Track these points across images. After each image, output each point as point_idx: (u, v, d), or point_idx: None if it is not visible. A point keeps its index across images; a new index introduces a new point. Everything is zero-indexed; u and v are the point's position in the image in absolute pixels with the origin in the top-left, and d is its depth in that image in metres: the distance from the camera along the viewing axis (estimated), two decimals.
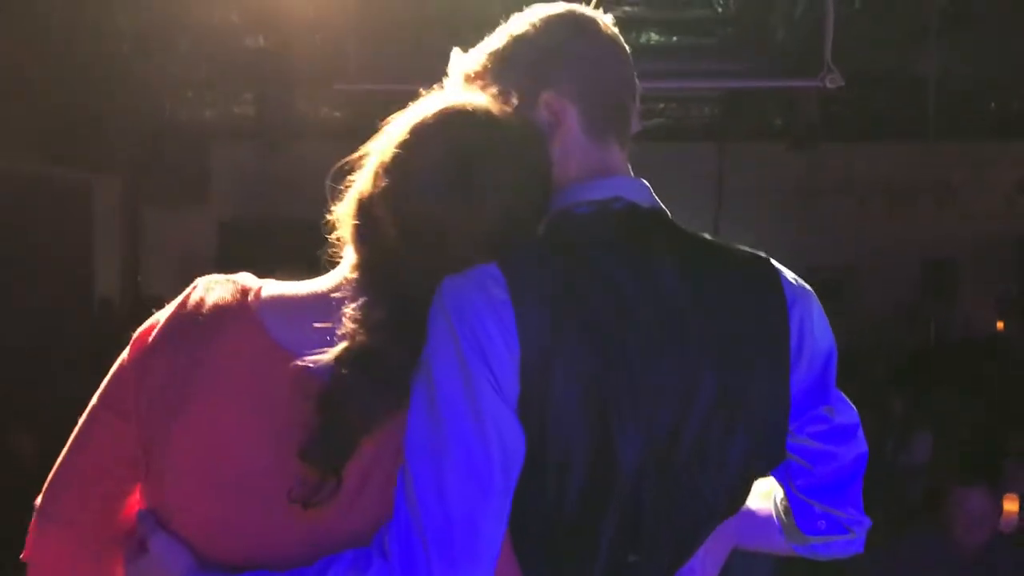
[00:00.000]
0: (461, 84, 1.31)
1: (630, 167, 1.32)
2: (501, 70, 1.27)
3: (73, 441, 1.21)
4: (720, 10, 5.78)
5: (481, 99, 1.21)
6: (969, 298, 8.93)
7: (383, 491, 1.08)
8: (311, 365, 1.08)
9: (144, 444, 1.14)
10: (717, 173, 9.18)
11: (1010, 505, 4.15)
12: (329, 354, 1.09)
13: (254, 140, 7.69)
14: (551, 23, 1.29)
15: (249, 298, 1.17)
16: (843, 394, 1.32)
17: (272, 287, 1.20)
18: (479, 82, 1.27)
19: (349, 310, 1.12)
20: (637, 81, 1.33)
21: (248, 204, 8.63)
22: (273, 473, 1.08)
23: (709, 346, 1.17)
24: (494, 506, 1.05)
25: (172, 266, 8.00)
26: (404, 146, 1.16)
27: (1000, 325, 8.90)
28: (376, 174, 1.17)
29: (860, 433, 1.33)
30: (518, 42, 1.28)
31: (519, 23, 1.30)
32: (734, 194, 9.15)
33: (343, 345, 1.10)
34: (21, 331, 6.15)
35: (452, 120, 1.16)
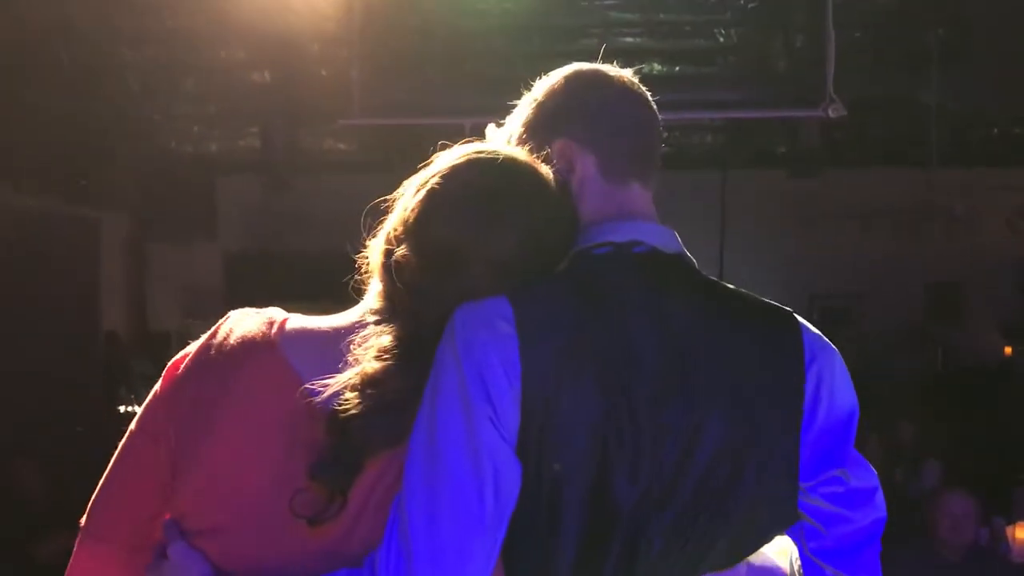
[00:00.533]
0: None
1: (654, 209, 1.34)
2: (524, 135, 1.33)
3: (112, 463, 1.31)
4: (722, 40, 5.82)
5: (508, 146, 1.31)
6: (974, 323, 8.90)
7: (382, 515, 1.13)
8: (321, 390, 1.15)
9: (174, 464, 1.23)
10: (720, 200, 9.20)
11: (1022, 533, 4.15)
12: (337, 380, 1.15)
13: (260, 174, 7.74)
14: (568, 79, 1.35)
15: (274, 330, 1.25)
16: (862, 456, 1.30)
17: (297, 320, 1.28)
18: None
19: (359, 338, 1.19)
20: (659, 126, 1.37)
21: (254, 237, 8.67)
22: (283, 493, 1.15)
23: (718, 394, 1.17)
24: (484, 540, 1.06)
25: (179, 299, 8.02)
26: (432, 182, 1.24)
27: (1008, 350, 8.87)
28: (404, 207, 1.25)
29: (879, 498, 1.29)
30: (538, 105, 1.35)
31: (539, 87, 1.36)
32: (737, 221, 9.17)
33: (350, 371, 1.16)
34: (29, 364, 6.16)
35: (478, 160, 1.25)
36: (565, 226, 1.26)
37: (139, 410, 1.31)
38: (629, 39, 5.77)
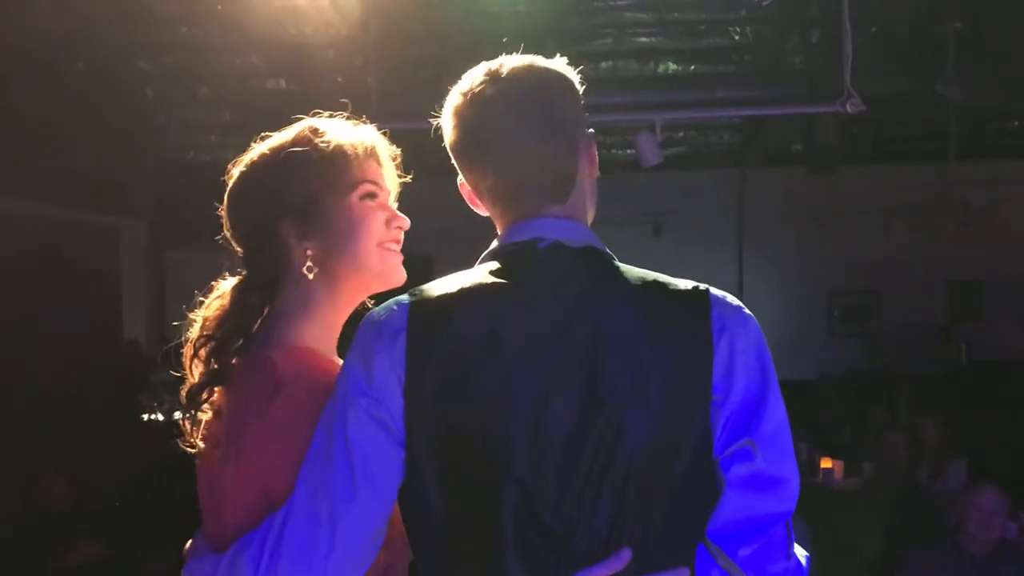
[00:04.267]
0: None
1: (573, 209, 1.33)
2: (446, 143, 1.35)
3: None
4: (737, 38, 5.81)
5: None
6: (997, 319, 8.83)
7: None
8: None
9: None
10: (738, 199, 9.18)
11: None
12: None
13: None
14: (488, 100, 1.29)
15: None
16: (786, 445, 1.23)
17: None
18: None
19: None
20: (559, 156, 1.31)
21: None
22: None
23: (630, 387, 1.17)
24: (354, 516, 1.17)
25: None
26: None
27: None
28: None
29: (786, 491, 1.22)
30: (445, 121, 1.34)
31: (461, 91, 1.32)
32: (755, 219, 9.14)
33: None
34: (52, 372, 6.20)
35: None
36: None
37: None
38: (644, 39, 5.77)
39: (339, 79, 5.62)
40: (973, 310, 8.93)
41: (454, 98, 1.33)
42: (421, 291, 1.25)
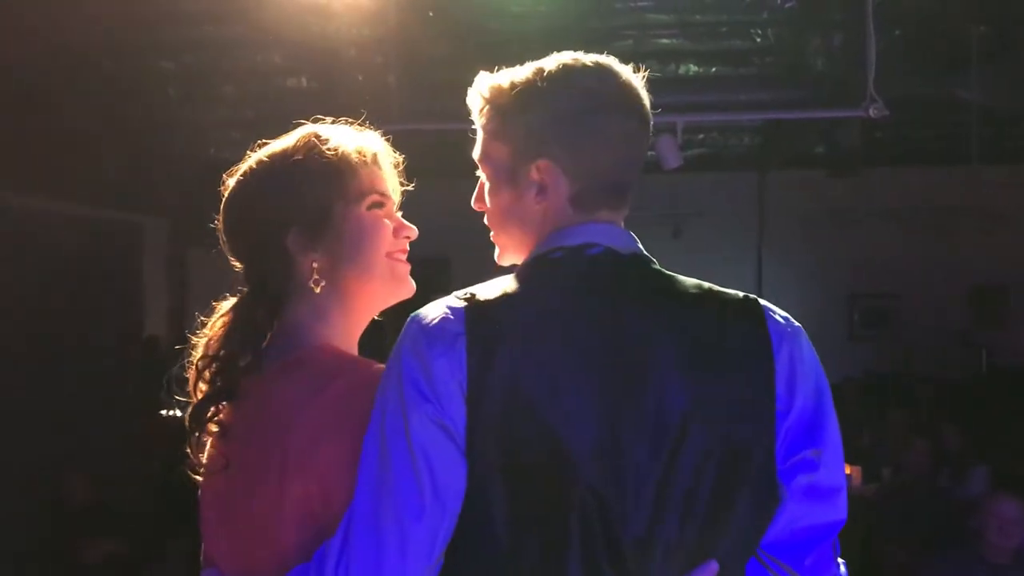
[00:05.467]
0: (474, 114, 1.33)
1: (617, 217, 1.30)
2: (510, 117, 1.26)
3: None
4: (759, 40, 5.78)
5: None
6: (1020, 325, 8.75)
7: None
8: None
9: None
10: (758, 201, 9.14)
11: None
12: None
13: None
14: (571, 85, 1.25)
15: None
16: (840, 452, 1.23)
17: None
18: (482, 120, 1.30)
19: None
20: (648, 133, 1.30)
21: None
22: None
23: (687, 395, 1.15)
24: (423, 535, 1.09)
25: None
26: None
27: None
28: None
29: (841, 499, 1.21)
30: (538, 95, 1.24)
31: (551, 70, 1.26)
32: (776, 222, 9.11)
33: None
34: (77, 370, 6.25)
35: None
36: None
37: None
38: (665, 40, 5.74)
39: (360, 78, 5.63)
40: (995, 315, 8.85)
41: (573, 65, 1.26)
42: (472, 294, 1.18)
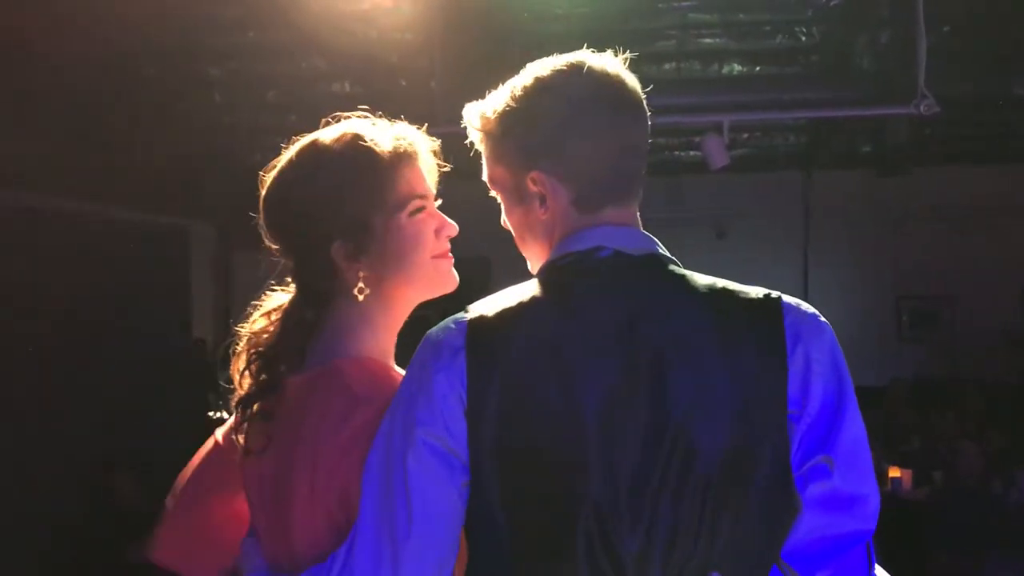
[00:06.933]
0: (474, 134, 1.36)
1: (631, 215, 1.30)
2: (499, 141, 1.30)
3: None
4: (804, 39, 5.71)
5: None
6: None
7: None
8: None
9: None
10: (803, 201, 9.04)
11: None
12: None
13: None
14: (556, 93, 1.27)
15: None
16: (865, 461, 1.19)
17: None
18: (481, 148, 1.34)
19: None
20: (644, 120, 1.30)
21: None
22: None
23: (699, 395, 1.14)
24: (412, 553, 1.14)
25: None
26: None
27: None
28: None
29: (866, 510, 1.17)
30: (516, 115, 1.28)
31: (525, 86, 1.29)
32: (822, 222, 9.00)
33: None
34: (128, 373, 6.34)
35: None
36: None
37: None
38: (708, 40, 5.70)
39: (403, 82, 5.66)
40: None
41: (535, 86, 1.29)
42: (478, 308, 1.21)
